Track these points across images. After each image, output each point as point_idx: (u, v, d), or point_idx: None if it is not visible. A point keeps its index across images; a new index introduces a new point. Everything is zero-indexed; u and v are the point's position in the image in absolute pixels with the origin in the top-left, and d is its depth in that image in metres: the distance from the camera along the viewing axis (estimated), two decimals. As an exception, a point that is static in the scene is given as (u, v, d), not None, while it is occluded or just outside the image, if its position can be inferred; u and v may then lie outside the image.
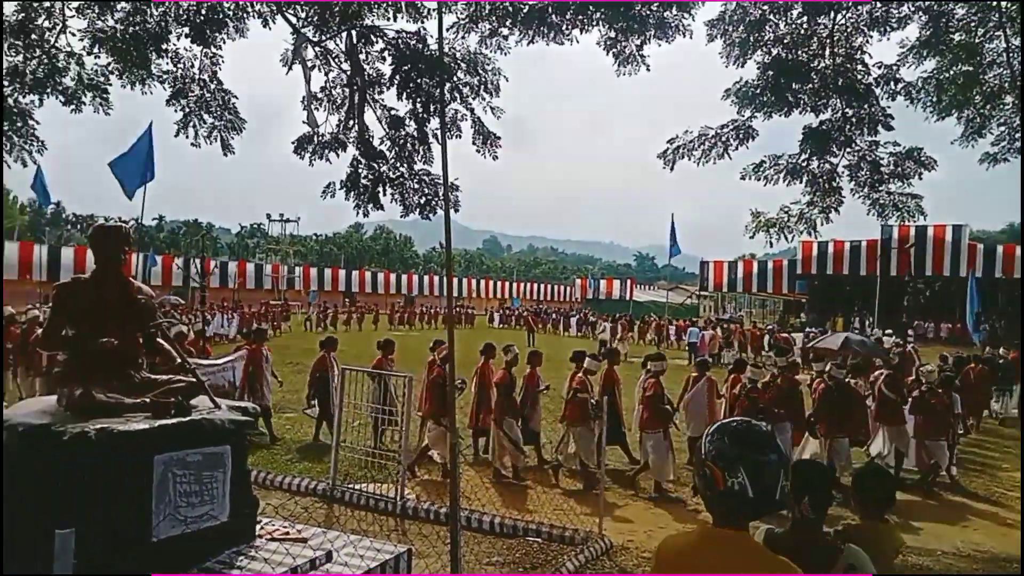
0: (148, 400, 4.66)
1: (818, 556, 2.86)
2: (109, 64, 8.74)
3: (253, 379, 10.97)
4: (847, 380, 10.34)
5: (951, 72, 9.00)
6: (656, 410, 9.31)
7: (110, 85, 8.95)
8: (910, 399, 10.45)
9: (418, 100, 8.47)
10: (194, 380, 5.03)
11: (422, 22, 8.56)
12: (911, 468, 10.31)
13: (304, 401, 11.58)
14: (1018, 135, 9.25)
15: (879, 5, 8.72)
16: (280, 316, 38.05)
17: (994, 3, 8.54)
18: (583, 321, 46.81)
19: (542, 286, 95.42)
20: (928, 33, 8.77)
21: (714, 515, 2.14)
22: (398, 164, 9.05)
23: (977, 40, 8.84)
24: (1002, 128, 9.40)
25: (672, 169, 9.50)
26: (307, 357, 14.29)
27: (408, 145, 8.97)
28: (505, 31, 8.53)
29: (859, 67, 9.01)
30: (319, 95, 9.06)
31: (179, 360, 5.26)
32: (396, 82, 8.40)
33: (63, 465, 4.12)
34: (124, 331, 4.89)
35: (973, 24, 8.77)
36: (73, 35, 8.56)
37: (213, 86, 9.05)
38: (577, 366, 9.97)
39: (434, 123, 8.67)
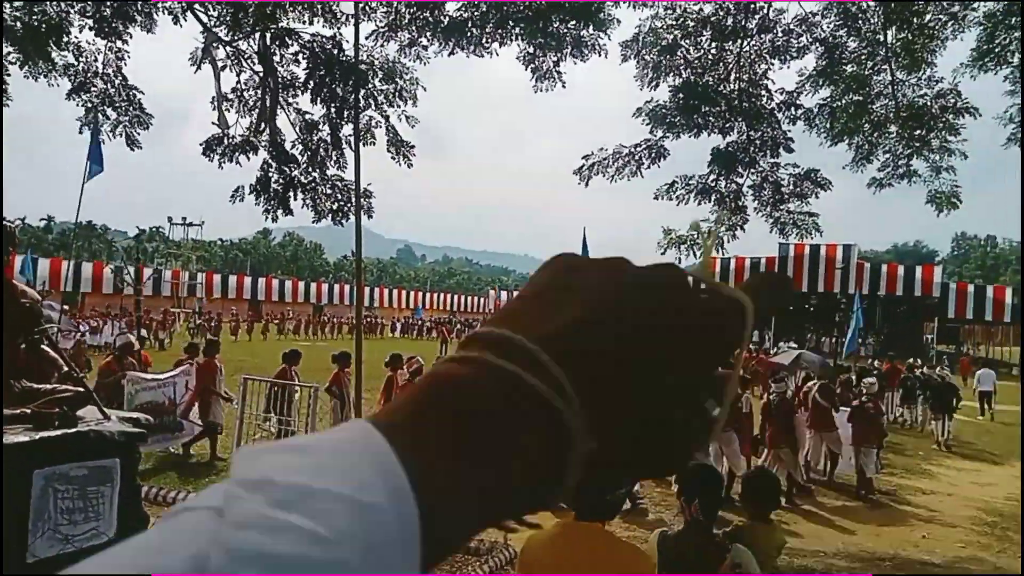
0: (30, 410, 4.34)
1: (707, 555, 3.01)
2: (9, 54, 8.18)
3: (205, 394, 10.13)
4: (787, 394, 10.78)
5: (843, 100, 9.61)
6: None
7: (9, 75, 8.38)
8: (850, 408, 10.96)
9: (332, 105, 8.34)
10: (81, 389, 4.72)
11: (339, 27, 8.46)
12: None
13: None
14: (901, 161, 9.96)
15: (781, 35, 9.23)
16: (167, 324, 36.01)
17: (881, 38, 9.18)
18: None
19: (456, 297, 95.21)
20: (824, 63, 9.36)
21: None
22: (310, 169, 8.87)
23: (866, 72, 9.48)
24: (887, 155, 10.11)
25: (587, 185, 9.74)
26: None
27: (321, 150, 8.81)
28: (425, 41, 8.52)
29: (763, 92, 9.51)
30: (230, 96, 8.77)
31: (66, 368, 4.94)
32: (310, 86, 8.24)
33: (-72, 481, 3.78)
34: (4, 337, 4.55)
35: (863, 57, 9.41)
36: None
37: (118, 81, 8.61)
38: None
39: (348, 129, 8.56)
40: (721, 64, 9.63)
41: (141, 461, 9.62)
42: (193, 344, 10.96)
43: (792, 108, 9.52)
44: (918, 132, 9.46)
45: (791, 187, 9.81)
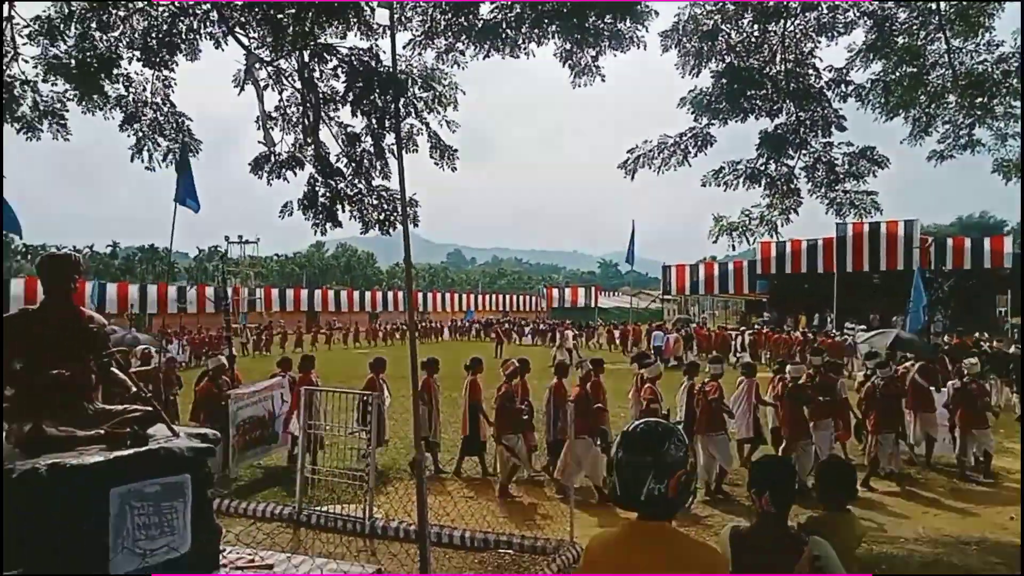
0: (103, 431, 4.51)
1: (783, 549, 2.92)
2: (66, 91, 8.55)
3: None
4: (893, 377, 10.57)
5: (896, 74, 9.25)
6: (717, 413, 9.42)
7: (67, 111, 8.75)
8: (953, 390, 10.71)
9: (373, 116, 8.42)
10: (151, 408, 4.88)
11: (375, 39, 8.53)
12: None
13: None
14: (962, 131, 9.55)
15: (826, 11, 8.94)
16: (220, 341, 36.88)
17: (933, 6, 8.81)
18: (535, 331, 48.21)
19: (508, 297, 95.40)
20: (873, 37, 9.02)
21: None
22: (355, 181, 8.98)
23: (919, 43, 9.11)
24: (947, 126, 9.71)
25: (632, 178, 9.59)
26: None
27: (365, 161, 8.91)
28: (461, 46, 8.54)
29: (810, 71, 9.22)
30: (274, 114, 8.95)
31: (135, 389, 5.10)
32: (350, 99, 8.34)
33: (13, 503, 3.95)
34: (76, 362, 4.74)
35: (915, 27, 9.04)
36: (26, 62, 8.36)
37: (166, 109, 8.90)
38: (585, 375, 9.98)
39: (390, 138, 8.64)
40: (765, 46, 9.37)
41: (248, 473, 9.93)
42: (286, 358, 11.22)
43: (843, 85, 9.18)
44: (979, 100, 9.05)
45: (846, 166, 9.48)
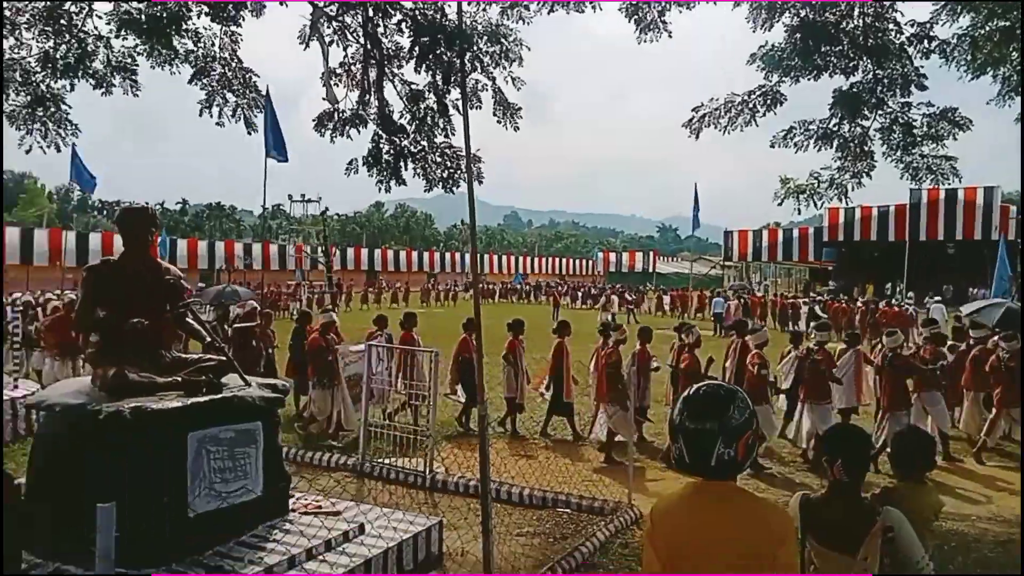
0: (180, 379, 4.72)
1: (855, 518, 2.87)
2: (136, 46, 8.75)
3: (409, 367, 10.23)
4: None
5: (986, 28, 8.67)
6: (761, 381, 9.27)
7: (137, 67, 8.97)
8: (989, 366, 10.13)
9: (437, 72, 8.38)
10: (224, 358, 5.07)
11: (440, -7, 8.44)
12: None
13: (447, 386, 10.66)
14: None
15: (910, -39, 8.44)
16: (288, 298, 37.82)
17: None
18: (587, 295, 47.91)
19: (564, 260, 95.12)
20: (962, -12, 8.47)
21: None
22: (419, 138, 9.00)
23: (1014, -7, 8.52)
24: (1039, 85, 9.09)
25: (697, 138, 9.33)
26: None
27: (428, 118, 8.91)
28: (525, 1, 8.39)
29: (890, 26, 8.72)
30: (338, 71, 9.00)
31: (209, 339, 5.31)
32: (415, 55, 8.31)
33: (100, 443, 4.20)
34: (154, 311, 4.95)
35: (1010, -23, 8.45)
36: (100, 18, 8.58)
37: (234, 64, 9.02)
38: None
39: (454, 95, 8.60)
40: (843, -1, 8.92)
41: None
42: (382, 316, 11.29)
43: (925, 41, 8.65)
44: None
45: (925, 128, 9.01)
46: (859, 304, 30.47)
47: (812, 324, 13.76)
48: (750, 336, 9.83)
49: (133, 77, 8.90)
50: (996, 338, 10.59)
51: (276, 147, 9.46)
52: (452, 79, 8.29)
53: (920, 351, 10.06)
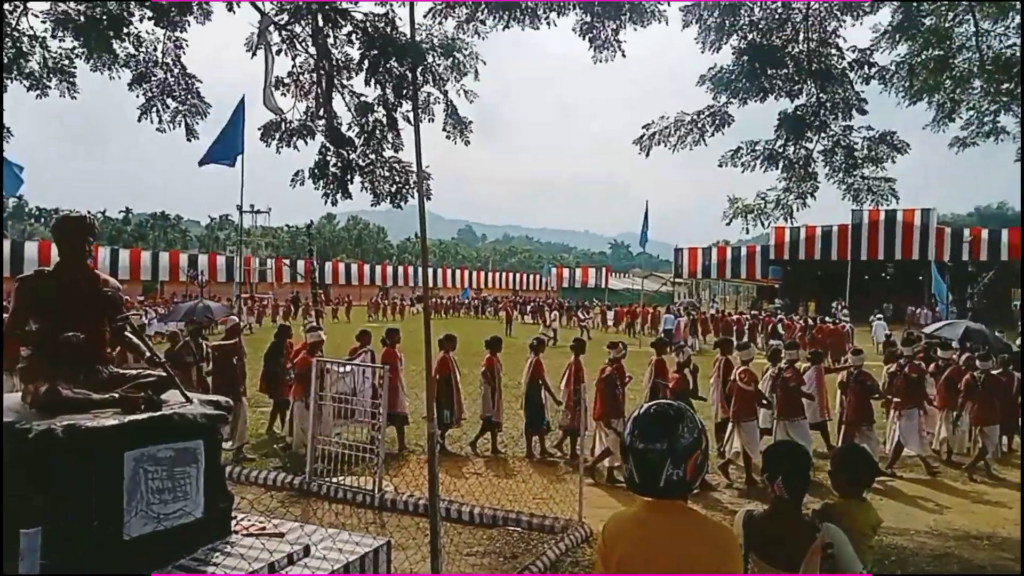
0: (117, 395, 4.52)
1: (796, 534, 2.91)
2: (74, 48, 8.46)
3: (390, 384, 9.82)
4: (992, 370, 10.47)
5: (922, 56, 9.05)
6: (752, 399, 9.29)
7: (75, 68, 8.67)
8: (965, 385, 10.46)
9: (388, 84, 8.34)
10: (164, 374, 4.89)
11: (390, 5, 8.41)
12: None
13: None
14: (987, 118, 9.36)
15: (852, -11, 8.74)
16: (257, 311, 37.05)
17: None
18: (535, 310, 47.80)
19: (518, 275, 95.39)
20: (900, 17, 8.81)
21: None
22: (367, 151, 8.92)
23: (947, 25, 8.90)
24: (971, 112, 9.50)
25: (647, 155, 9.47)
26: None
27: (377, 131, 8.84)
28: (481, 16, 8.41)
29: (833, 51, 9.03)
30: (286, 80, 8.88)
31: (148, 353, 5.11)
32: (365, 66, 8.24)
33: (29, 463, 3.98)
34: (91, 324, 4.74)
35: (943, 8, 8.83)
36: (35, 16, 8.28)
37: (177, 70, 8.79)
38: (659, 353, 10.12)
39: (404, 107, 8.55)
40: (788, 24, 9.18)
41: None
42: (365, 331, 10.95)
43: (866, 67, 8.97)
44: (1006, 86, 8.85)
45: (865, 151, 9.33)
46: (798, 321, 31.40)
47: (775, 343, 14.05)
48: (738, 352, 10.00)
49: (71, 79, 8.60)
50: (964, 357, 11.02)
51: (225, 153, 9.18)
52: (404, 91, 8.25)
53: (905, 368, 10.22)
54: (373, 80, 8.33)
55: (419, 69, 7.93)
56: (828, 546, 2.85)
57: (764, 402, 9.48)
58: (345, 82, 8.95)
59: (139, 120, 8.73)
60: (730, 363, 9.92)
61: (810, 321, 29.98)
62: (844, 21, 8.96)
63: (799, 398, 9.49)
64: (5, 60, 8.12)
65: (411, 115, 7.17)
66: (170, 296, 45.56)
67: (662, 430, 2.14)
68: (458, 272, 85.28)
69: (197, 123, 9.01)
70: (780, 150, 9.46)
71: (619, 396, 9.32)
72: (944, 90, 9.30)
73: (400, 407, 10.05)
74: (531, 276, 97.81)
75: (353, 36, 8.39)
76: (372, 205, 9.51)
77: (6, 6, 8.05)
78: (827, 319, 31.20)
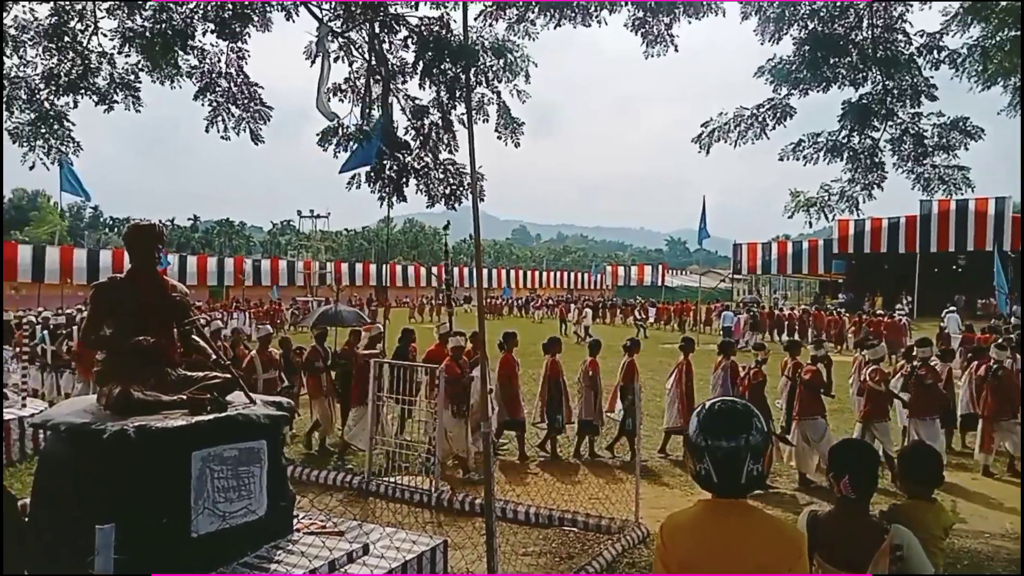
0: (185, 397, 4.67)
1: (863, 536, 2.81)
2: (139, 62, 8.79)
3: (508, 390, 9.77)
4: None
5: (997, 38, 8.60)
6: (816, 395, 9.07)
7: (140, 83, 9.00)
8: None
9: (442, 87, 8.39)
10: (229, 376, 5.03)
11: (445, 9, 8.47)
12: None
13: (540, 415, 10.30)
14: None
15: (919, -27, 8.39)
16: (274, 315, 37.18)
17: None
18: (592, 308, 47.04)
19: (572, 274, 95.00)
20: (973, -1, 8.41)
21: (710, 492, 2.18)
22: (422, 154, 9.00)
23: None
24: (1050, 95, 9.00)
25: (708, 153, 9.28)
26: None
27: (432, 134, 8.91)
28: (532, 16, 8.39)
29: (899, 37, 8.68)
30: (343, 86, 9.03)
31: (214, 356, 5.26)
32: (420, 69, 8.32)
33: (104, 462, 4.15)
34: (160, 329, 4.91)
35: (1019, -13, 8.39)
36: (104, 35, 8.63)
37: (239, 79, 9.04)
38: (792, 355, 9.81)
39: (459, 110, 8.60)
40: (851, 10, 8.86)
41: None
42: (475, 333, 10.64)
43: (935, 51, 8.58)
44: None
45: (936, 139, 8.94)
46: (846, 315, 30.76)
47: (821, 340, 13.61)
48: (867, 351, 9.90)
49: (136, 93, 8.94)
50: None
51: (365, 158, 9.40)
52: (457, 94, 8.29)
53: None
54: (428, 83, 8.41)
55: (472, 71, 7.96)
56: (897, 548, 2.75)
57: (832, 395, 9.20)
58: (400, 86, 9.07)
59: (206, 131, 9.01)
60: (799, 364, 9.59)
61: (862, 316, 29.16)
62: (911, 6, 8.61)
63: (935, 396, 9.22)
64: (75, 78, 8.48)
65: (465, 117, 7.21)
66: (232, 299, 46.92)
67: (740, 425, 2.09)
68: (512, 272, 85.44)
69: (261, 128, 9.21)
70: (844, 141, 9.15)
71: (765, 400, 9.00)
72: (1020, 72, 8.83)
73: (519, 413, 9.86)
74: (585, 275, 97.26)
75: (408, 40, 8.48)
76: (427, 207, 9.59)
77: (77, 25, 8.41)
78: (878, 312, 30.31)
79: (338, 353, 10.78)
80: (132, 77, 8.85)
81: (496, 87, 8.56)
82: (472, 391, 8.85)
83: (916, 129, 8.92)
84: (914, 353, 9.74)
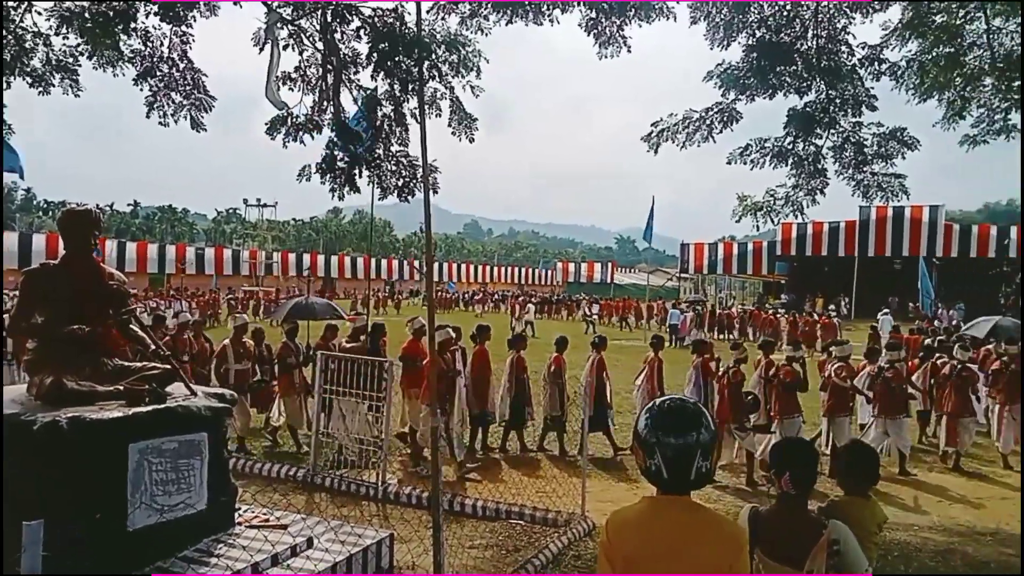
0: (122, 387, 4.54)
1: (802, 531, 2.89)
2: (78, 45, 8.44)
3: (481, 383, 9.68)
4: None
5: (933, 53, 8.98)
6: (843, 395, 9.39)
7: (79, 66, 8.66)
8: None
9: (395, 79, 8.32)
10: (169, 367, 4.90)
11: (399, 1, 8.39)
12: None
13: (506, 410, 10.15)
14: (997, 116, 9.29)
15: (861, -14, 8.68)
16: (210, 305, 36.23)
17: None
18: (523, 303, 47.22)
19: (523, 270, 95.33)
20: (910, 15, 8.75)
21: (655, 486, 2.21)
22: (374, 146, 8.92)
23: (957, 22, 8.83)
24: (981, 110, 9.42)
25: (656, 152, 9.47)
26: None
27: (384, 126, 8.83)
28: (484, 11, 8.39)
29: (843, 48, 8.98)
30: (293, 75, 8.87)
31: (153, 346, 5.12)
32: (372, 61, 8.23)
33: (34, 455, 4.01)
34: (95, 318, 4.76)
35: (954, 6, 8.76)
36: (39, 14, 8.26)
37: (183, 65, 8.76)
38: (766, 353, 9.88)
39: (411, 103, 8.56)
40: (797, 20, 9.13)
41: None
42: (457, 327, 10.41)
43: (876, 63, 8.93)
44: (1017, 83, 8.77)
45: (875, 147, 9.30)
46: (782, 315, 32.03)
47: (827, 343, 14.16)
48: (835, 348, 10.23)
49: (74, 77, 8.60)
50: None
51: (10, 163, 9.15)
52: (410, 87, 8.24)
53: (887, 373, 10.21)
54: (381, 75, 8.32)
55: (425, 64, 7.91)
56: (834, 543, 2.84)
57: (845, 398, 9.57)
58: (352, 77, 8.95)
59: (147, 116, 8.72)
60: (772, 363, 9.79)
61: (815, 316, 30.18)
62: (854, 19, 8.91)
63: (903, 396, 9.67)
64: (8, 57, 8.11)
65: (417, 111, 7.16)
66: (169, 288, 45.69)
67: (691, 423, 2.13)
68: (464, 266, 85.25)
69: (202, 116, 8.95)
70: (789, 147, 9.44)
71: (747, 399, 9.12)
72: (954, 87, 9.22)
73: (491, 405, 9.82)
74: (536, 270, 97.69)
75: (361, 31, 8.36)
76: (379, 199, 9.51)
77: (9, 3, 8.05)
78: (814, 313, 31.58)
79: (311, 347, 10.56)
80: (70, 60, 8.50)
81: (449, 82, 8.53)
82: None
83: (857, 138, 9.25)
84: (884, 356, 10.24)
